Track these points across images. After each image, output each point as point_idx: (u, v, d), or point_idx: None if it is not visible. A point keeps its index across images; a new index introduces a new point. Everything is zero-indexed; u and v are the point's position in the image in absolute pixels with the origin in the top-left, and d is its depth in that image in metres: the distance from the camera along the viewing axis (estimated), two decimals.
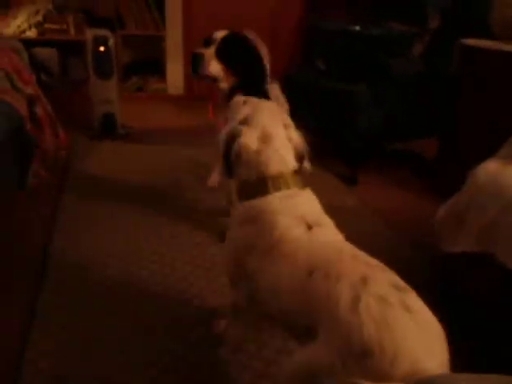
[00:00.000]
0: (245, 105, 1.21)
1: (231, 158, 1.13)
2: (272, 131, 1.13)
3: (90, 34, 3.06)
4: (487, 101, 2.39)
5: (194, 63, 1.85)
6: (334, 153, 3.08)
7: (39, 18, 3.87)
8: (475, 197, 1.55)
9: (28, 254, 1.88)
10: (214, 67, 1.84)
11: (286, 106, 2.14)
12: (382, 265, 0.94)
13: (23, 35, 3.80)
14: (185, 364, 1.38)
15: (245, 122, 1.14)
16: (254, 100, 1.24)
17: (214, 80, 1.88)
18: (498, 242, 1.39)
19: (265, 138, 1.12)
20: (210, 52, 1.82)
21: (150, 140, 3.25)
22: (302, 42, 4.28)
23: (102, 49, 2.97)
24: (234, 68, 1.85)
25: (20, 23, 3.84)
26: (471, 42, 2.46)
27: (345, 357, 0.80)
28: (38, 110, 2.30)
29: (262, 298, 1.11)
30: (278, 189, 1.10)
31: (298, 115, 3.00)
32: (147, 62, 4.43)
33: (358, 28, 2.96)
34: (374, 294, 0.83)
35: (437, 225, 1.75)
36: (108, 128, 3.21)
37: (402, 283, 0.88)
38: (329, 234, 1.06)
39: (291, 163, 1.14)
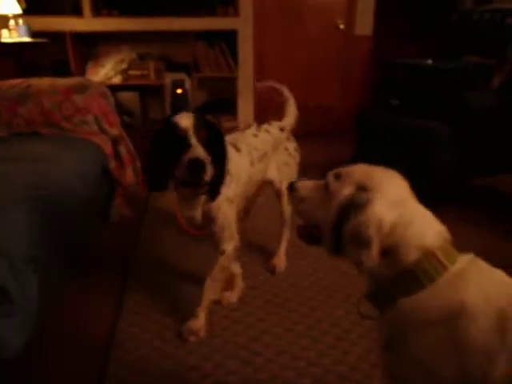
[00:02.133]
0: (340, 177, 0.91)
1: (346, 235, 0.84)
2: (404, 195, 0.88)
3: (168, 77, 3.28)
4: None
5: (197, 172, 1.34)
6: None
7: (124, 65, 4.21)
8: None
9: (108, 281, 1.99)
10: (210, 169, 1.38)
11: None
12: None
13: (109, 81, 4.14)
14: None
15: (364, 187, 0.85)
16: (353, 168, 0.93)
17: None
18: None
19: (399, 204, 0.84)
20: (200, 150, 1.34)
21: None
22: (373, 79, 4.28)
23: (179, 91, 3.17)
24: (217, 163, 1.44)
25: (107, 71, 4.20)
26: None
27: None
28: (122, 149, 2.48)
29: None
30: (453, 262, 0.82)
31: (368, 153, 2.99)
32: (220, 102, 4.63)
33: (430, 62, 2.92)
34: None
35: None
36: None
37: None
38: None
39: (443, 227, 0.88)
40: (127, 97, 4.37)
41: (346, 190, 0.87)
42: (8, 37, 3.47)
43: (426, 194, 1.03)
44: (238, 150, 1.68)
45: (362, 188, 0.85)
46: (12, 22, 3.52)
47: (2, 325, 1.21)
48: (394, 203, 0.83)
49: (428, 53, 3.45)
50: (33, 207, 1.51)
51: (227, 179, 1.53)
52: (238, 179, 1.63)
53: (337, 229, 0.86)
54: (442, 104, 2.63)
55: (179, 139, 1.35)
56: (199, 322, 1.64)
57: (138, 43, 4.30)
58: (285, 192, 1.93)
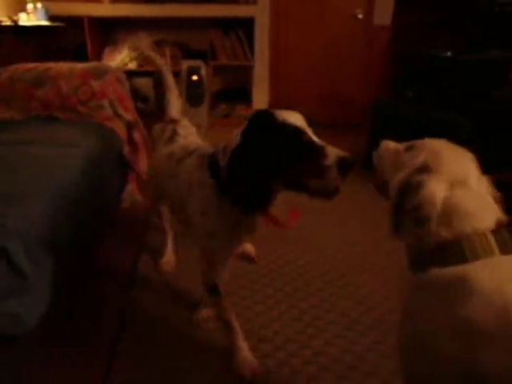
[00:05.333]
0: (412, 149, 0.97)
1: (404, 214, 0.88)
2: (466, 177, 0.87)
3: (184, 64, 3.28)
4: None
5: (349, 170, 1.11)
6: None
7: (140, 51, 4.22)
8: None
9: (119, 267, 2.02)
10: None
11: None
12: None
13: (125, 67, 4.16)
14: None
15: (425, 168, 0.88)
16: (425, 142, 0.97)
17: None
18: None
19: (457, 186, 0.85)
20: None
21: None
22: (392, 71, 4.21)
23: (194, 78, 3.17)
24: None
25: (123, 57, 4.22)
26: None
27: None
28: (136, 135, 2.49)
29: None
30: (486, 253, 0.80)
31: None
32: (235, 90, 4.62)
33: (449, 54, 2.87)
34: None
35: None
36: None
37: None
38: None
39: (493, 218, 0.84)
40: (142, 82, 4.38)
41: (407, 171, 0.90)
42: (26, 20, 3.49)
43: None
44: None
45: (423, 169, 0.88)
46: (30, 6, 3.54)
47: (16, 302, 1.24)
48: (452, 183, 0.85)
49: (450, 45, 3.39)
50: (50, 191, 1.53)
51: None
52: None
53: (397, 208, 0.89)
54: (464, 97, 2.58)
55: (296, 141, 1.11)
56: None
57: (155, 30, 4.30)
58: None
